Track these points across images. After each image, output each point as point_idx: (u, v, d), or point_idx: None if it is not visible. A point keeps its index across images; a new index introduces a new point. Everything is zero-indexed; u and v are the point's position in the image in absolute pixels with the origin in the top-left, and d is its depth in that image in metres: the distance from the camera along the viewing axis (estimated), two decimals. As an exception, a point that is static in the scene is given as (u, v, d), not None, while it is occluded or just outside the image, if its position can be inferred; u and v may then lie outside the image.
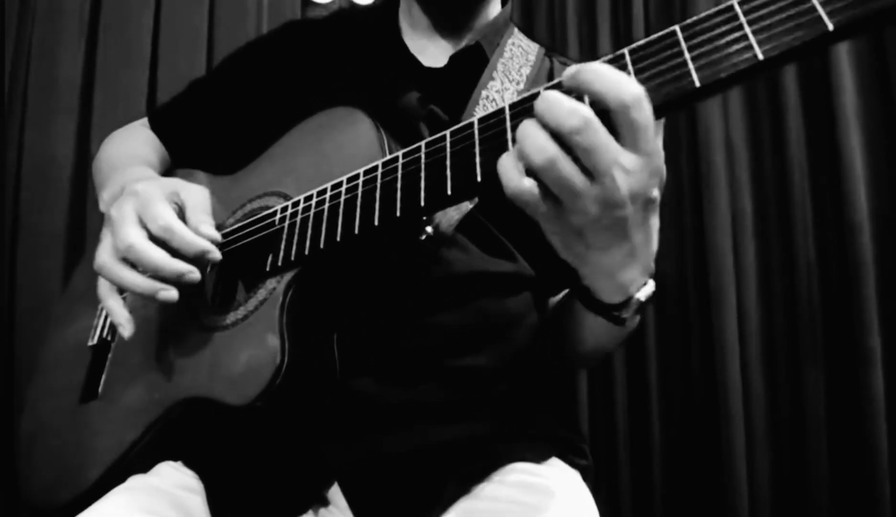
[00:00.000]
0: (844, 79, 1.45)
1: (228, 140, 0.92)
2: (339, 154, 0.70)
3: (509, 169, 0.48)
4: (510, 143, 0.52)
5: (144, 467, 0.72)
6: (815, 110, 1.51)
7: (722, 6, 0.45)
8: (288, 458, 0.70)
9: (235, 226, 0.74)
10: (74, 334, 0.85)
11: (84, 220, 1.56)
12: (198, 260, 0.65)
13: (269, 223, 0.70)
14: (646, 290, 0.62)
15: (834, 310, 1.44)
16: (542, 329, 0.85)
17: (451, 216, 0.73)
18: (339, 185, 0.65)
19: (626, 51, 0.48)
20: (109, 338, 0.81)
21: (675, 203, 1.64)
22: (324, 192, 0.66)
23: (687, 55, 0.45)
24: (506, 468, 0.69)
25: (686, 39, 0.46)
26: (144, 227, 0.65)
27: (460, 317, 0.74)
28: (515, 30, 0.92)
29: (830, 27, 0.41)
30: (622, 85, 0.44)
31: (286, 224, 0.68)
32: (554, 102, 0.45)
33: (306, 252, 0.65)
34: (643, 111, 0.45)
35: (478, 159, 0.54)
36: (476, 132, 0.55)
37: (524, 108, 0.53)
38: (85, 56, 1.63)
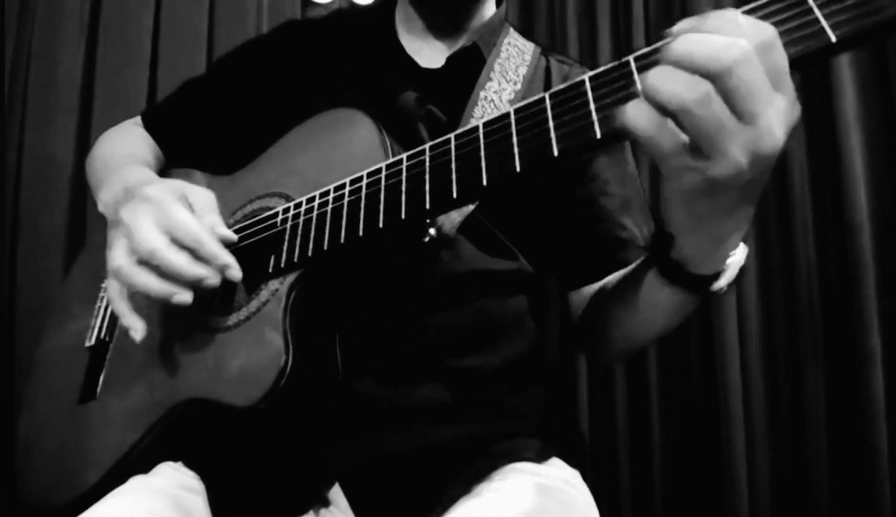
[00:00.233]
0: (844, 79, 1.44)
1: (224, 140, 0.92)
2: (340, 155, 0.70)
3: (642, 112, 0.43)
4: (515, 148, 0.52)
5: (145, 468, 0.72)
6: (814, 111, 1.51)
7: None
8: (289, 459, 0.70)
9: (237, 226, 0.73)
10: (72, 335, 0.85)
11: (84, 220, 1.56)
12: (219, 270, 0.65)
13: (272, 224, 0.70)
14: (740, 254, 0.60)
15: (834, 310, 1.44)
16: (557, 323, 0.85)
17: (453, 218, 0.74)
18: (343, 186, 0.65)
19: (630, 58, 0.48)
20: (107, 338, 0.81)
21: (676, 203, 1.63)
22: (327, 193, 0.66)
23: None
24: (506, 468, 0.70)
25: None
26: (166, 232, 0.65)
27: (461, 317, 0.74)
28: (511, 29, 0.93)
29: (833, 39, 0.41)
30: (761, 25, 0.41)
31: (288, 225, 0.68)
32: (703, 39, 0.41)
33: (309, 254, 0.65)
34: (782, 50, 0.42)
35: (483, 163, 0.54)
36: (481, 136, 0.55)
37: (529, 113, 0.53)
38: (85, 56, 1.63)
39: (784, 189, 1.52)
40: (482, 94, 0.81)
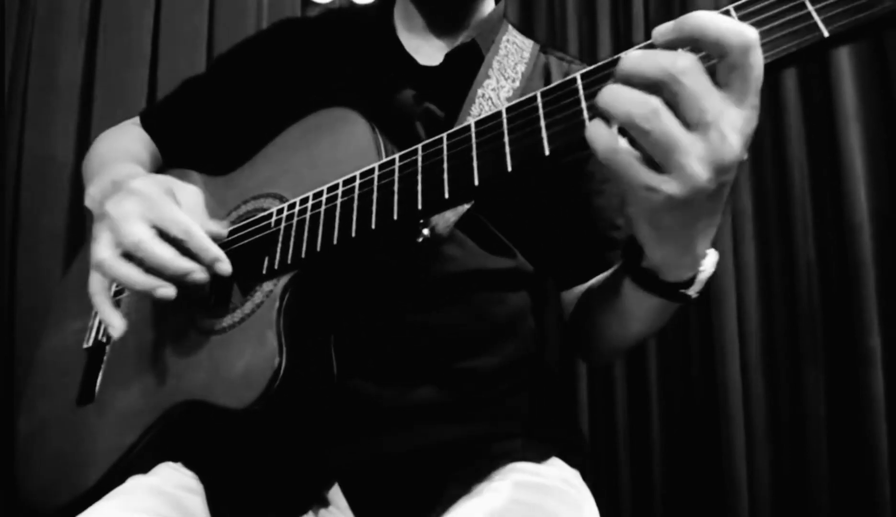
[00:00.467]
0: (844, 78, 1.44)
1: (222, 139, 0.92)
2: (334, 155, 0.69)
3: (601, 131, 0.45)
4: (507, 147, 0.52)
5: (144, 468, 0.72)
6: (814, 110, 1.51)
7: (719, 11, 0.45)
8: (288, 459, 0.70)
9: (231, 227, 0.73)
10: (69, 336, 0.85)
11: (84, 220, 1.56)
12: (207, 265, 0.65)
13: (265, 226, 0.70)
14: (710, 261, 0.61)
15: (834, 310, 1.44)
16: (557, 322, 0.85)
17: (447, 217, 0.73)
18: (336, 187, 0.64)
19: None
20: (104, 340, 0.80)
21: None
22: (320, 194, 0.66)
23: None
24: (506, 468, 0.69)
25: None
26: (153, 225, 0.64)
27: (459, 316, 0.74)
28: (510, 27, 0.92)
29: (826, 34, 0.41)
30: (743, 26, 0.41)
31: (282, 226, 0.68)
32: (647, 53, 0.43)
33: (303, 255, 0.64)
34: (759, 55, 0.41)
35: (475, 163, 0.54)
36: (473, 136, 0.55)
37: (520, 112, 0.53)
38: (85, 56, 1.64)
39: (784, 189, 1.52)
40: (480, 91, 0.81)
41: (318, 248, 0.63)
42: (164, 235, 0.64)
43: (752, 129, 0.44)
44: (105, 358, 0.79)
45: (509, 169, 0.52)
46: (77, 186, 1.58)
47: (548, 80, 0.88)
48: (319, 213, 0.65)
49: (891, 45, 1.43)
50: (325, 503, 0.70)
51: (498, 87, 0.82)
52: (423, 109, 0.81)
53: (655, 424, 1.55)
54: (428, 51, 0.88)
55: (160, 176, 0.73)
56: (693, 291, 0.63)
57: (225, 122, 0.93)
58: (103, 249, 0.66)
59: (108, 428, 0.73)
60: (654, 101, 0.42)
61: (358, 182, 0.63)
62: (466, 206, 0.75)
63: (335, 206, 0.63)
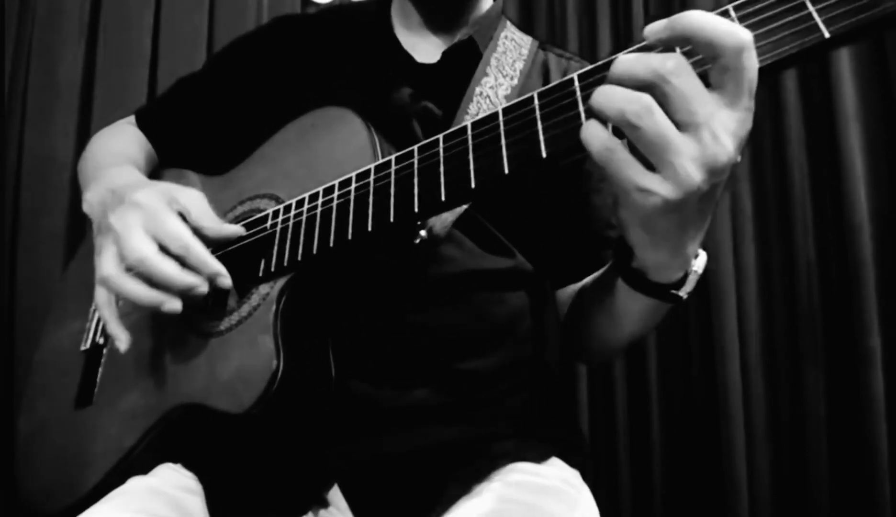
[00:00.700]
0: (844, 78, 1.44)
1: (218, 138, 0.91)
2: (330, 156, 0.69)
3: (597, 131, 0.45)
4: (504, 150, 0.52)
5: (144, 469, 0.72)
6: (814, 110, 1.50)
7: (719, 11, 0.45)
8: (287, 460, 0.70)
9: None
10: (67, 337, 0.85)
11: (84, 221, 1.55)
12: (208, 279, 0.65)
13: (261, 228, 0.70)
14: (700, 261, 0.61)
15: (834, 310, 1.44)
16: (556, 322, 0.85)
17: (444, 218, 0.73)
18: (332, 189, 0.64)
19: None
20: (102, 342, 0.80)
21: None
22: (316, 196, 0.65)
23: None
24: (506, 468, 0.69)
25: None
26: (155, 239, 0.65)
27: (458, 316, 0.74)
28: (508, 23, 0.92)
29: (827, 35, 0.41)
30: (736, 27, 0.41)
31: (278, 229, 0.68)
32: (639, 56, 0.43)
33: (299, 258, 0.64)
34: (753, 57, 0.41)
35: (472, 166, 0.54)
36: (470, 137, 0.55)
37: (517, 114, 0.52)
38: (85, 56, 1.63)
39: (784, 189, 1.51)
40: (478, 90, 0.80)
41: (315, 251, 0.63)
42: (164, 250, 0.65)
43: (745, 132, 0.44)
44: (103, 360, 0.78)
45: (506, 172, 0.51)
46: (77, 186, 1.56)
47: (546, 77, 0.88)
48: (316, 215, 0.64)
49: (891, 46, 1.42)
50: (324, 504, 0.69)
51: (496, 85, 0.81)
52: (421, 108, 0.80)
53: (655, 424, 1.55)
54: (425, 48, 0.87)
55: (162, 184, 0.73)
56: (683, 292, 0.63)
57: (221, 120, 0.92)
58: (108, 265, 0.66)
59: (108, 430, 0.73)
60: (647, 99, 0.42)
61: (354, 184, 0.62)
62: (464, 206, 0.74)
63: (331, 208, 0.63)
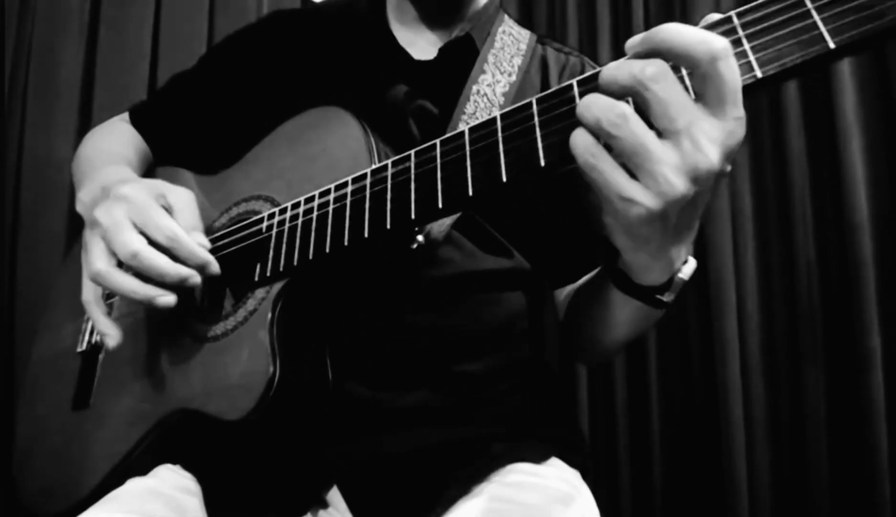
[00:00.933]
0: (844, 79, 1.44)
1: (213, 135, 0.91)
2: (325, 157, 0.69)
3: (583, 139, 0.45)
4: (502, 157, 0.51)
5: (143, 470, 0.72)
6: (815, 110, 1.50)
7: (721, 17, 0.45)
8: (287, 460, 0.69)
9: (222, 232, 0.73)
10: (63, 338, 0.85)
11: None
12: (197, 269, 0.65)
13: (257, 230, 0.69)
14: (688, 267, 0.61)
15: (834, 310, 1.43)
16: (556, 322, 0.84)
17: (442, 222, 0.73)
18: (328, 193, 0.63)
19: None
20: (98, 341, 0.80)
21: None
22: (311, 199, 0.65)
23: (683, 71, 0.45)
24: (506, 468, 0.69)
25: None
26: (143, 233, 0.64)
27: (458, 317, 0.74)
28: (506, 17, 0.91)
29: (832, 45, 0.40)
30: (709, 36, 0.41)
31: (273, 232, 0.67)
32: (621, 63, 0.43)
33: (294, 263, 0.64)
34: (731, 65, 0.41)
35: (469, 173, 0.53)
36: (467, 143, 0.54)
37: (515, 120, 0.52)
38: (85, 56, 1.63)
39: (784, 189, 1.51)
40: (475, 88, 0.79)
41: (311, 257, 0.63)
42: (152, 242, 0.64)
43: (735, 142, 0.43)
44: (99, 361, 0.78)
45: (504, 179, 0.51)
46: (77, 187, 1.57)
47: (545, 73, 0.87)
48: (311, 219, 0.64)
49: (891, 48, 1.42)
50: (324, 504, 0.70)
51: (493, 82, 0.80)
52: (417, 106, 0.79)
53: (655, 424, 1.55)
54: (422, 44, 0.87)
55: (150, 180, 0.73)
56: (667, 297, 0.63)
57: (216, 117, 0.91)
58: (98, 260, 0.65)
59: (105, 432, 0.73)
60: (622, 107, 0.42)
61: (350, 188, 0.62)
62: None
63: (327, 213, 0.62)
